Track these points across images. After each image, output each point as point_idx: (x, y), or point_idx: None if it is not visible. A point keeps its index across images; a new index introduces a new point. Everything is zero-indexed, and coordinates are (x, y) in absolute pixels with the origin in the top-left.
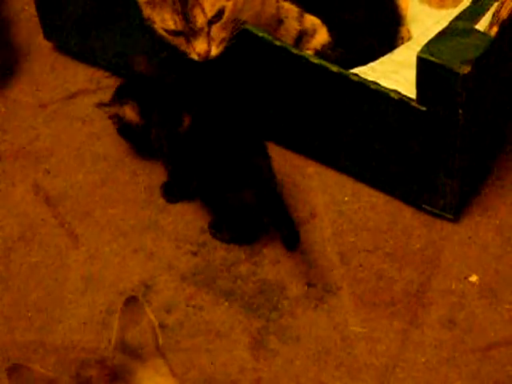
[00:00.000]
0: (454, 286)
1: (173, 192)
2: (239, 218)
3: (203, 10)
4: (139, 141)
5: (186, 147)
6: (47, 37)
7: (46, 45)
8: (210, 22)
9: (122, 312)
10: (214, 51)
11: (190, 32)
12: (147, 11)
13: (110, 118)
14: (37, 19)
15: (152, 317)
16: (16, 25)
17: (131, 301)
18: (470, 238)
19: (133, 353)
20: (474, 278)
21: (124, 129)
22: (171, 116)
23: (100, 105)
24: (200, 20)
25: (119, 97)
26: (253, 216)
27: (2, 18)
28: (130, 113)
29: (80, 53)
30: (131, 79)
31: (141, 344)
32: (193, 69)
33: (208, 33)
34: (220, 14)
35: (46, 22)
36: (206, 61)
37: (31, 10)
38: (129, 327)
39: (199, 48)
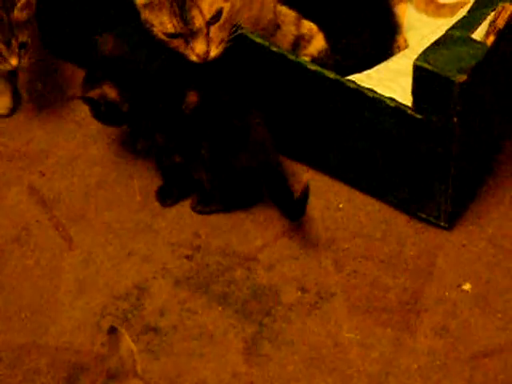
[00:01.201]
0: (447, 294)
1: (168, 194)
2: (239, 182)
3: (201, 11)
4: (122, 121)
5: (191, 122)
6: (44, 43)
7: (43, 51)
8: (209, 23)
9: (107, 341)
10: (213, 52)
11: (188, 34)
12: (145, 14)
13: (86, 102)
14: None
15: (131, 344)
16: None
17: (113, 330)
18: (463, 246)
19: (113, 376)
20: (467, 286)
21: (106, 111)
22: (171, 96)
23: (86, 97)
24: (198, 21)
25: (92, 81)
26: (250, 179)
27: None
28: (110, 92)
29: (76, 57)
30: (101, 61)
31: (120, 370)
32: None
33: (207, 34)
34: (218, 14)
35: (43, 26)
36: (205, 62)
37: None
38: (110, 354)
39: (198, 49)
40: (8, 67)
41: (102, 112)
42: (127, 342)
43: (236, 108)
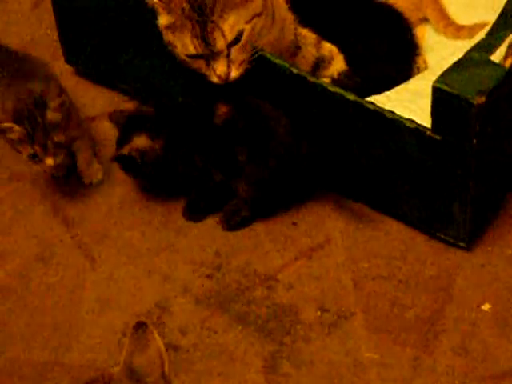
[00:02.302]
0: (466, 314)
1: (198, 209)
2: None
3: (223, 33)
4: (155, 174)
5: (225, 133)
6: (68, 61)
7: (67, 69)
8: (230, 45)
9: (132, 337)
10: (234, 73)
11: (209, 55)
12: (168, 36)
13: (119, 161)
14: (58, 44)
15: (160, 343)
16: (38, 49)
17: (140, 326)
18: (482, 266)
19: (139, 379)
20: (486, 307)
21: (141, 162)
22: (202, 115)
23: (117, 156)
24: (220, 43)
25: (121, 142)
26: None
27: (26, 41)
28: (141, 141)
29: (100, 77)
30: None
31: (147, 371)
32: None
33: (227, 55)
34: (239, 36)
35: (68, 46)
36: (226, 83)
37: (53, 34)
38: (136, 353)
39: (219, 70)
40: (44, 167)
41: (138, 165)
42: (156, 339)
43: (263, 109)
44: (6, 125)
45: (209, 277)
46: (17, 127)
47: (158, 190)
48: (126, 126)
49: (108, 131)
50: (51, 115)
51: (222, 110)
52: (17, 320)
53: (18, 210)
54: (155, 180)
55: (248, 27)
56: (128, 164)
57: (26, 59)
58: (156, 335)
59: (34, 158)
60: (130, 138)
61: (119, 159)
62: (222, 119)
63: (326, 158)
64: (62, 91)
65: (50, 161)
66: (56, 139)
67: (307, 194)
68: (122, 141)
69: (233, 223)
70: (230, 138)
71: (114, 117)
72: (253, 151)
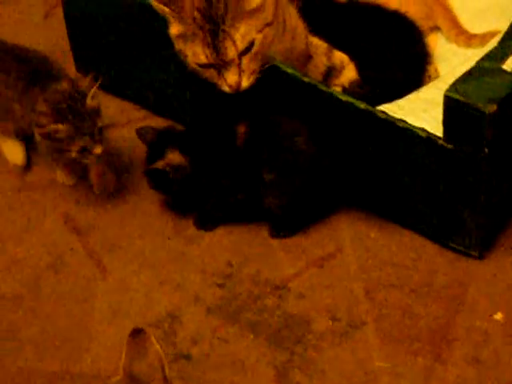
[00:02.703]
0: (478, 324)
1: (210, 219)
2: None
3: (234, 42)
4: (181, 190)
5: (247, 152)
6: (79, 70)
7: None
8: (241, 54)
9: (129, 344)
10: (245, 82)
11: (221, 64)
12: (179, 45)
13: (150, 175)
14: (70, 53)
15: (158, 347)
16: (50, 57)
17: (138, 332)
18: (494, 275)
19: None
20: (498, 316)
21: (173, 178)
22: (224, 132)
23: (151, 170)
24: (231, 52)
25: (153, 156)
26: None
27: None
28: (175, 157)
29: (111, 86)
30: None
31: (148, 376)
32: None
33: (239, 64)
34: (250, 46)
35: (79, 55)
36: (237, 93)
37: (65, 43)
38: (136, 360)
39: (230, 79)
40: (92, 158)
41: (169, 180)
42: (154, 345)
43: (283, 125)
44: (53, 127)
45: (220, 286)
46: (61, 126)
47: (181, 207)
48: (157, 142)
49: (118, 141)
50: (91, 102)
51: (241, 130)
52: (28, 329)
53: (29, 219)
54: (180, 196)
55: (259, 36)
56: (159, 179)
57: (32, 59)
58: (153, 340)
59: (83, 151)
60: (164, 154)
61: (152, 173)
62: (242, 140)
63: (347, 168)
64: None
65: (98, 149)
66: (100, 124)
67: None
68: (154, 156)
69: (287, 235)
70: (253, 158)
71: (142, 132)
72: (278, 169)
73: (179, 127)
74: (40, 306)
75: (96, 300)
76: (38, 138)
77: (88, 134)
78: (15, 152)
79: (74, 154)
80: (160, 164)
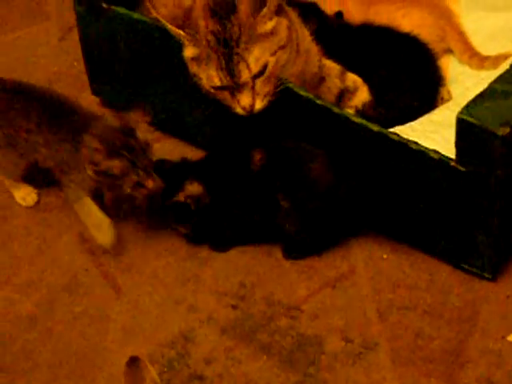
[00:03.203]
0: (491, 345)
1: (225, 240)
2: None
3: (248, 65)
4: (201, 219)
5: (263, 179)
6: (95, 92)
7: (94, 100)
8: (254, 77)
9: (127, 373)
10: (259, 105)
11: (234, 87)
12: (193, 68)
13: (172, 208)
14: (85, 75)
15: (154, 375)
16: (65, 80)
17: (134, 362)
18: (508, 297)
19: None
20: (511, 338)
21: (194, 209)
22: (240, 157)
23: (173, 203)
24: (245, 75)
25: (175, 184)
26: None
27: (53, 72)
28: (193, 188)
29: (126, 108)
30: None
31: None
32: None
33: (252, 87)
34: (264, 68)
35: (94, 78)
36: (251, 115)
37: (80, 66)
38: None
39: (244, 102)
40: (144, 192)
41: (191, 212)
42: (151, 373)
43: (299, 152)
44: (109, 163)
45: (233, 307)
46: (117, 162)
47: (199, 237)
48: (173, 174)
49: None
50: (142, 135)
51: (257, 157)
52: (42, 349)
53: (44, 240)
54: (199, 226)
55: (273, 59)
56: (180, 212)
57: (50, 99)
58: (150, 366)
59: (137, 186)
60: (183, 186)
61: (173, 207)
62: (258, 166)
63: (362, 193)
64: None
65: (151, 183)
66: (152, 157)
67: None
68: (172, 189)
69: (300, 257)
70: (269, 184)
71: (158, 165)
72: (293, 197)
73: (193, 156)
74: (54, 326)
75: (110, 320)
76: (76, 179)
77: (143, 169)
78: (28, 195)
79: (127, 190)
80: (181, 196)
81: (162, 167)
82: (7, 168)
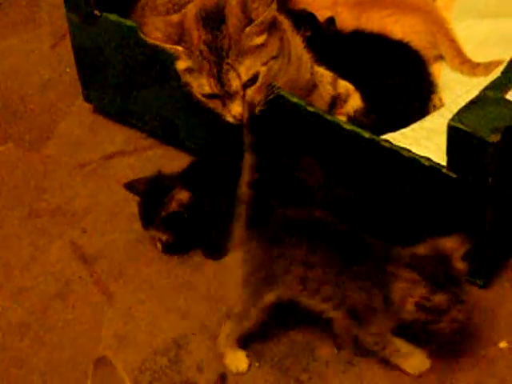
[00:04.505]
0: (483, 352)
1: (217, 248)
2: None
3: (238, 74)
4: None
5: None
6: (87, 99)
7: (86, 107)
8: (245, 86)
9: (94, 374)
10: None
11: (225, 95)
12: (185, 77)
13: (167, 221)
14: (78, 82)
15: (123, 374)
16: (57, 86)
17: (101, 360)
18: (499, 304)
19: None
20: (503, 344)
21: (185, 219)
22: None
23: (168, 215)
24: (235, 84)
25: (160, 198)
26: None
27: (45, 79)
28: (183, 195)
29: (118, 115)
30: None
31: None
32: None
33: (243, 96)
34: (254, 78)
35: (87, 84)
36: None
37: (73, 73)
38: None
39: (234, 111)
40: (456, 326)
41: (183, 220)
42: (119, 371)
43: (292, 160)
44: (436, 298)
45: (226, 314)
46: (442, 296)
47: (181, 248)
48: (150, 191)
49: (125, 169)
50: (460, 264)
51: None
52: (34, 357)
53: (36, 247)
54: (189, 234)
55: (264, 69)
56: (172, 222)
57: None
58: (118, 365)
59: (454, 321)
60: (171, 196)
61: (167, 219)
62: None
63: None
64: None
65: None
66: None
67: None
68: (159, 203)
69: None
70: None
71: (132, 186)
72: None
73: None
74: (47, 333)
75: (102, 327)
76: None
77: (460, 303)
78: (241, 360)
79: (443, 325)
80: (174, 206)
81: (137, 186)
82: None
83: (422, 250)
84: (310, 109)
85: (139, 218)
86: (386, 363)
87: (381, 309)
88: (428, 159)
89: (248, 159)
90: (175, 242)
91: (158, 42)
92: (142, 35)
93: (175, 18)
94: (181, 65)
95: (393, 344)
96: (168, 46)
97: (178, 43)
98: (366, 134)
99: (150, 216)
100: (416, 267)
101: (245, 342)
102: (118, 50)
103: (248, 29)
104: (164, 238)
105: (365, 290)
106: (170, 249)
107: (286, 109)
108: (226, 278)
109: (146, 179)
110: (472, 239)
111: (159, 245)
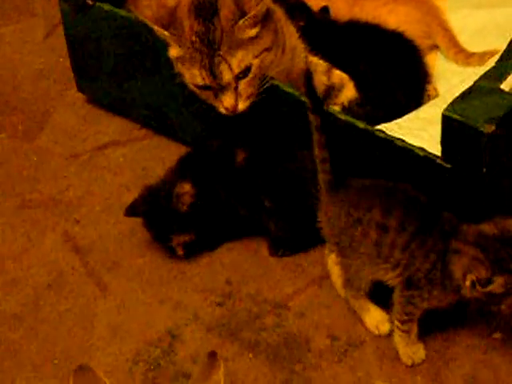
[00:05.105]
0: (477, 343)
1: (214, 238)
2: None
3: (230, 66)
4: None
5: (247, 177)
6: (80, 89)
7: (79, 97)
8: (237, 78)
9: (74, 382)
10: (241, 106)
11: (217, 87)
12: (178, 67)
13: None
14: (71, 72)
15: (104, 378)
16: (51, 77)
17: (81, 369)
18: None
19: None
20: (497, 335)
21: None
22: (224, 155)
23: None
24: (227, 76)
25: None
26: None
27: (39, 69)
28: (186, 186)
29: (112, 105)
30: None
31: None
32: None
33: (235, 88)
34: (247, 70)
35: (80, 74)
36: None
37: (66, 63)
38: None
39: (227, 102)
40: None
41: (200, 208)
42: (99, 377)
43: (283, 153)
44: (494, 279)
45: (219, 304)
46: (501, 278)
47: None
48: (152, 205)
49: (119, 159)
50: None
51: (241, 156)
52: (28, 348)
53: (29, 238)
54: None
55: (256, 61)
56: (190, 216)
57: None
58: (99, 372)
59: None
60: (176, 196)
61: (186, 214)
62: (241, 165)
63: None
64: None
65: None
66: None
67: None
68: (167, 210)
69: (280, 254)
70: (253, 183)
71: (133, 209)
72: (274, 197)
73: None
74: (40, 324)
75: (96, 318)
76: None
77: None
78: (380, 318)
79: (505, 309)
80: (184, 201)
81: (138, 207)
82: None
83: (489, 228)
84: (303, 98)
85: (152, 238)
86: (380, 354)
87: (440, 282)
88: (422, 149)
89: (313, 121)
90: (198, 239)
91: (146, 21)
92: (133, 9)
93: (171, 2)
94: (172, 52)
95: (414, 325)
96: (155, 28)
97: (166, 28)
98: (361, 124)
99: (164, 228)
100: (481, 246)
101: (238, 333)
102: (111, 39)
103: (241, 21)
104: (187, 238)
105: (429, 261)
106: (193, 248)
107: (279, 99)
108: None
109: (140, 198)
110: None
111: (180, 250)
